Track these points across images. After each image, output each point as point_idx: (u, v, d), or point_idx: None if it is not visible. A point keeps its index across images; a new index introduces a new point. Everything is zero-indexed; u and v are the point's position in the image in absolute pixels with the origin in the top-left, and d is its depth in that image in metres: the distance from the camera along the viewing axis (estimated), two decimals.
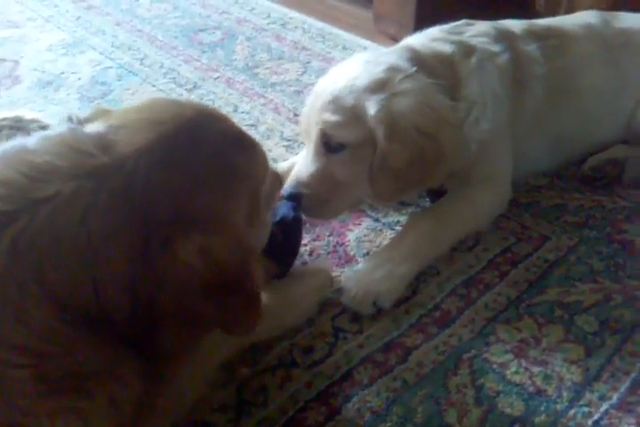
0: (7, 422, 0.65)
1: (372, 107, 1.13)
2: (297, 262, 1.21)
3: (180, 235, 0.72)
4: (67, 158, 0.71)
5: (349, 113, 1.16)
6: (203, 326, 0.81)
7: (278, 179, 1.06)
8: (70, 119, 0.80)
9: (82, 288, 0.69)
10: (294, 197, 1.19)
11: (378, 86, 1.16)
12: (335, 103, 1.16)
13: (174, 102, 0.89)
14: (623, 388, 1.02)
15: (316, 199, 1.20)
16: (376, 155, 1.16)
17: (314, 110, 1.20)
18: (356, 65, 1.23)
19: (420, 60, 1.24)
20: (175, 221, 0.73)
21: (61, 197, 0.68)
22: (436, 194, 1.35)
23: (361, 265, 1.20)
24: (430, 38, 1.34)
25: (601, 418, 0.97)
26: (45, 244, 0.67)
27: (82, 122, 0.80)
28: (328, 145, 1.19)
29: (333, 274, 1.21)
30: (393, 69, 1.19)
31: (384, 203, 1.28)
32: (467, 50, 1.31)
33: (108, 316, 0.71)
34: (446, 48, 1.30)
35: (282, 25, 2.31)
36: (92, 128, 0.77)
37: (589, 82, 1.45)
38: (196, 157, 0.77)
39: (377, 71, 1.18)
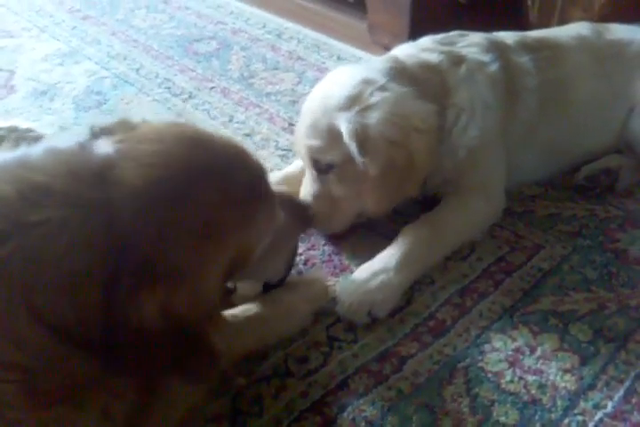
0: None
1: (343, 125, 1.17)
2: (292, 272, 1.21)
3: (146, 287, 0.72)
4: (64, 183, 0.71)
5: (327, 135, 1.21)
6: (160, 371, 0.80)
7: (307, 217, 1.13)
8: (92, 129, 0.80)
9: (66, 313, 0.69)
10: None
11: (349, 103, 1.19)
12: (314, 127, 1.22)
13: (198, 139, 0.84)
14: (617, 396, 1.02)
15: (323, 217, 1.27)
16: (360, 171, 1.20)
17: (299, 136, 1.26)
18: (328, 85, 1.27)
19: (401, 70, 1.26)
20: (144, 272, 0.72)
21: (52, 224, 0.69)
22: (429, 201, 1.36)
23: (355, 275, 1.20)
24: (420, 48, 1.36)
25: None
26: (33, 269, 0.68)
27: (100, 133, 0.79)
28: (318, 167, 1.25)
29: (328, 283, 1.22)
30: (364, 83, 1.21)
31: (377, 214, 1.30)
32: (456, 59, 1.33)
33: (92, 338, 0.72)
34: (434, 57, 1.32)
35: (277, 35, 2.32)
36: (102, 148, 0.76)
37: (582, 93, 1.46)
38: (182, 213, 0.76)
39: (348, 87, 1.21)
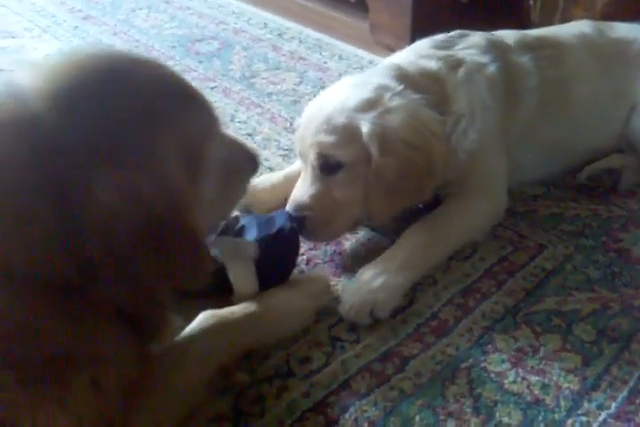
0: None
1: (364, 125, 1.16)
2: (294, 271, 1.21)
3: (95, 175, 0.68)
4: None
5: (343, 132, 1.18)
6: (146, 279, 0.75)
7: (254, 160, 1.05)
8: None
9: (21, 250, 0.67)
10: (297, 221, 1.20)
11: (369, 105, 1.18)
12: (328, 124, 1.18)
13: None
14: (621, 397, 1.01)
15: (318, 221, 1.21)
16: (370, 170, 1.17)
17: (308, 133, 1.22)
18: (343, 88, 1.25)
19: (406, 78, 1.26)
20: (88, 161, 0.69)
21: None
22: (432, 204, 1.36)
23: (358, 275, 1.19)
24: (418, 55, 1.35)
25: None
26: None
27: None
28: (325, 166, 1.20)
29: (331, 283, 1.21)
30: (381, 88, 1.20)
31: (380, 222, 1.29)
32: (453, 63, 1.32)
33: (62, 282, 0.69)
34: (432, 64, 1.31)
35: (278, 35, 2.32)
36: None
37: (583, 91, 1.45)
38: (113, 99, 0.74)
39: (366, 91, 1.20)
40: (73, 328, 0.71)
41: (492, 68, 1.33)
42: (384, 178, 1.17)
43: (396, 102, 1.18)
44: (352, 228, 1.31)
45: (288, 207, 1.23)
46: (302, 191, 1.24)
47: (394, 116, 1.16)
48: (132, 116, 0.76)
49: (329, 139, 1.18)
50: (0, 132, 0.69)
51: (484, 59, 1.34)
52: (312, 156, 1.20)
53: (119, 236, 0.70)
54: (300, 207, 1.22)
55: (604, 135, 1.52)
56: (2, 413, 0.63)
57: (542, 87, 1.39)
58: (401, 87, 1.21)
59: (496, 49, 1.38)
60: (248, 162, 1.05)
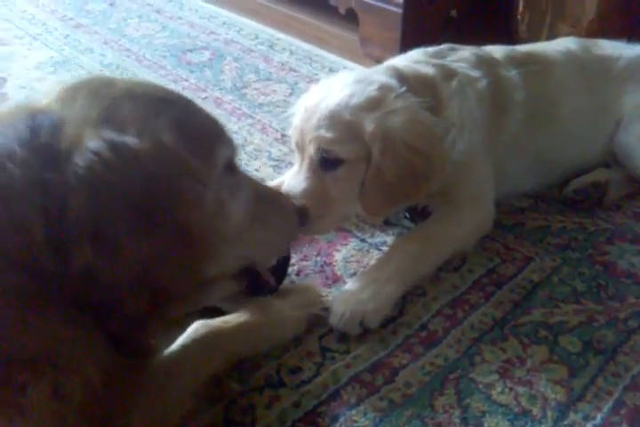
0: None
1: (368, 124, 1.16)
2: (285, 282, 1.22)
3: (90, 130, 0.70)
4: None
5: (346, 129, 1.18)
6: (125, 258, 0.70)
7: (295, 214, 1.10)
8: None
9: (13, 242, 0.67)
10: None
11: (373, 104, 1.18)
12: (332, 119, 1.18)
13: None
14: (606, 408, 1.03)
15: (310, 215, 1.19)
16: (370, 169, 1.18)
17: (308, 127, 1.21)
18: (345, 83, 1.24)
19: (404, 80, 1.27)
20: (87, 125, 0.71)
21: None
22: (419, 214, 1.37)
23: (348, 285, 1.20)
24: (413, 60, 1.37)
25: None
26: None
27: None
28: (324, 161, 1.20)
29: (321, 294, 1.22)
30: (385, 88, 1.22)
31: (373, 217, 1.31)
32: (448, 73, 1.34)
33: (26, 246, 0.67)
34: (428, 70, 1.33)
35: (269, 46, 2.34)
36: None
37: (569, 106, 1.48)
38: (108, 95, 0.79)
39: (370, 89, 1.21)
40: (37, 331, 0.67)
41: (482, 83, 1.35)
42: (383, 177, 1.17)
43: (399, 104, 1.19)
44: (341, 222, 1.32)
45: None
46: (296, 183, 1.22)
47: (398, 117, 1.17)
48: (122, 100, 0.79)
49: (331, 135, 1.17)
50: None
51: (475, 73, 1.36)
52: (312, 150, 1.19)
53: (105, 192, 0.68)
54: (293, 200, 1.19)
55: (590, 149, 1.55)
56: None
57: (529, 102, 1.42)
58: (403, 89, 1.22)
59: (485, 64, 1.41)
60: (288, 214, 1.06)
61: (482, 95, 1.35)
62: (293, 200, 1.16)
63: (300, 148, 1.24)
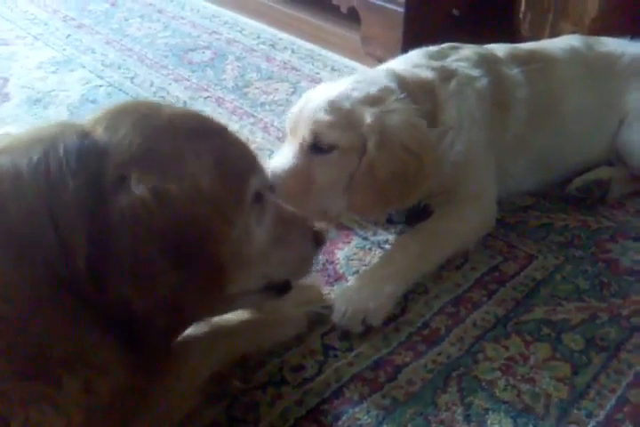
0: None
1: (368, 116, 1.17)
2: None
3: (135, 174, 0.75)
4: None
5: (344, 116, 1.19)
6: (158, 289, 0.76)
7: (315, 237, 1.08)
8: None
9: (40, 221, 0.72)
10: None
11: (373, 101, 1.20)
12: (331, 105, 1.19)
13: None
14: (609, 405, 1.03)
15: (289, 192, 1.18)
16: (362, 162, 1.18)
17: (306, 110, 1.22)
18: (348, 82, 1.26)
19: (404, 86, 1.28)
20: (131, 160, 0.76)
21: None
22: (417, 215, 1.37)
23: (350, 283, 1.20)
24: (412, 64, 1.37)
25: None
26: (7, 178, 0.73)
27: None
28: (316, 145, 1.20)
29: (323, 292, 1.22)
30: (386, 90, 1.23)
31: (358, 215, 1.32)
32: (447, 74, 1.35)
33: (68, 267, 0.72)
34: (427, 74, 1.33)
35: (271, 45, 2.34)
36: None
37: (572, 104, 1.48)
38: (148, 123, 0.83)
39: (372, 89, 1.22)
40: (72, 335, 0.73)
41: (482, 82, 1.36)
42: (374, 173, 1.18)
43: (398, 105, 1.20)
44: (320, 217, 1.25)
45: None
46: (281, 162, 1.22)
47: (396, 116, 1.18)
48: (164, 133, 0.83)
49: (328, 118, 1.18)
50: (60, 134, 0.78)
51: (475, 72, 1.36)
52: (306, 131, 1.20)
53: (146, 235, 0.74)
54: (273, 175, 1.19)
55: (593, 147, 1.55)
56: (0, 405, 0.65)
57: (532, 99, 1.42)
58: (403, 95, 1.23)
59: (487, 62, 1.41)
60: (307, 237, 1.06)
61: (482, 94, 1.35)
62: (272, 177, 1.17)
63: (293, 130, 1.25)
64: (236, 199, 0.87)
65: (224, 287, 0.85)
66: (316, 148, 1.20)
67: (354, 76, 1.33)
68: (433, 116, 1.29)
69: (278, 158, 1.25)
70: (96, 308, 0.74)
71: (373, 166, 1.18)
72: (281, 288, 1.08)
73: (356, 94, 1.21)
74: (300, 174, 1.21)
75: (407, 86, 1.28)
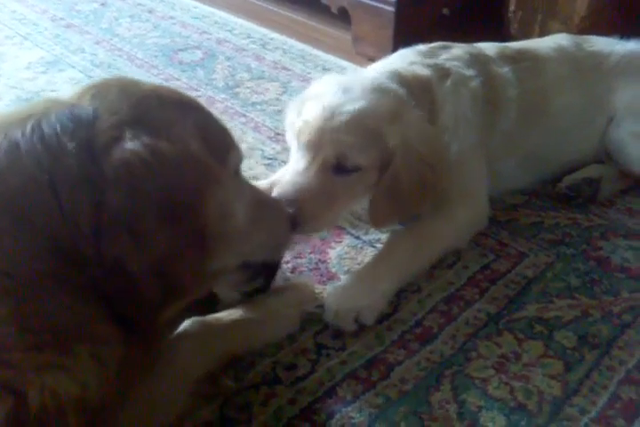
0: None
1: (393, 136, 1.18)
2: (279, 279, 1.21)
3: (129, 132, 0.77)
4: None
5: (368, 136, 1.18)
6: (151, 247, 0.77)
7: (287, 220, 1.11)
8: None
9: (40, 188, 0.73)
10: (290, 205, 1.15)
11: (393, 116, 1.20)
12: (357, 126, 1.17)
13: None
14: (602, 402, 1.03)
15: (310, 213, 1.17)
16: (385, 178, 1.20)
17: (327, 128, 1.17)
18: (362, 89, 1.22)
19: (406, 85, 1.28)
20: (122, 123, 0.79)
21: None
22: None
23: (342, 282, 1.20)
24: (409, 61, 1.37)
25: None
26: (1, 149, 0.74)
27: None
28: (340, 166, 1.18)
29: (316, 291, 1.22)
30: (400, 100, 1.23)
31: (377, 227, 1.32)
32: (442, 72, 1.35)
33: (70, 233, 0.73)
34: (424, 72, 1.33)
35: (262, 45, 2.34)
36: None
37: (561, 103, 1.49)
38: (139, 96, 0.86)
39: (389, 100, 1.22)
40: (75, 307, 0.74)
41: (475, 82, 1.36)
42: (397, 187, 1.20)
43: (414, 118, 1.22)
44: (336, 222, 1.32)
45: (281, 190, 1.18)
46: (301, 181, 1.19)
47: (415, 131, 1.20)
48: (151, 100, 0.86)
49: (354, 140, 1.17)
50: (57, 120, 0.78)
51: (469, 72, 1.37)
52: (329, 152, 1.17)
53: (141, 189, 0.75)
54: (296, 195, 1.17)
55: (582, 145, 1.55)
56: (7, 373, 0.66)
57: (522, 98, 1.42)
58: (413, 104, 1.24)
59: (478, 62, 1.41)
60: (282, 219, 1.09)
61: (475, 94, 1.36)
62: (289, 203, 1.15)
63: (312, 146, 1.19)
64: (221, 166, 0.89)
65: (205, 260, 0.85)
66: (339, 169, 1.19)
67: (358, 78, 1.30)
68: (431, 114, 1.30)
69: (296, 175, 1.20)
70: (94, 280, 0.74)
71: (397, 181, 1.20)
72: (259, 271, 1.09)
73: (377, 110, 1.19)
74: (320, 192, 1.19)
75: (409, 85, 1.28)
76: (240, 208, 0.95)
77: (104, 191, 0.74)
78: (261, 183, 1.43)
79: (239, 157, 0.98)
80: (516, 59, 1.47)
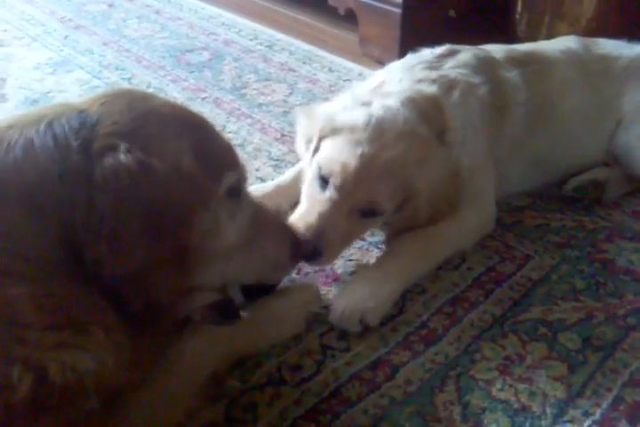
0: (13, 354, 0.68)
1: (419, 182, 1.22)
2: (285, 280, 1.22)
3: (124, 145, 0.80)
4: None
5: (398, 186, 1.21)
6: (129, 256, 0.79)
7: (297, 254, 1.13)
8: None
9: (52, 178, 0.78)
10: (315, 251, 1.17)
11: (422, 162, 1.22)
12: (390, 175, 1.20)
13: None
14: (605, 404, 1.04)
15: (334, 255, 1.24)
16: (405, 214, 1.26)
17: (365, 177, 1.18)
18: (393, 130, 1.22)
19: (418, 109, 1.26)
20: (119, 133, 0.83)
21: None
22: None
23: (348, 283, 1.21)
24: (414, 80, 1.34)
25: None
26: (18, 145, 0.80)
27: None
28: (367, 211, 1.21)
29: (321, 292, 1.22)
30: (428, 144, 1.25)
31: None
32: (448, 84, 1.33)
33: (75, 231, 0.77)
34: (431, 89, 1.32)
35: (269, 47, 2.34)
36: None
37: (569, 106, 1.49)
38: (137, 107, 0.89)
39: (418, 146, 1.23)
40: (84, 295, 0.78)
41: (483, 89, 1.35)
42: (415, 218, 1.26)
43: (439, 161, 1.25)
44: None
45: (305, 232, 1.17)
46: (327, 222, 1.18)
47: (437, 173, 1.24)
48: (153, 116, 0.89)
49: (386, 189, 1.20)
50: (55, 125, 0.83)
51: (476, 79, 1.36)
52: (363, 198, 1.19)
53: (127, 199, 0.78)
54: (323, 240, 1.17)
55: (589, 149, 1.55)
56: (26, 351, 0.69)
57: (530, 101, 1.42)
58: (431, 134, 1.26)
59: (485, 66, 1.40)
60: (284, 245, 1.10)
61: (483, 102, 1.35)
62: (318, 236, 1.17)
63: (345, 189, 1.18)
64: (211, 185, 0.91)
65: (186, 276, 0.87)
66: (366, 212, 1.21)
67: (380, 106, 1.26)
68: (443, 131, 1.29)
69: (320, 215, 1.19)
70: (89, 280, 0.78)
71: (416, 215, 1.26)
72: (253, 293, 1.11)
73: (407, 158, 1.21)
74: (345, 236, 1.22)
75: (420, 109, 1.27)
76: (231, 228, 0.96)
77: (94, 193, 0.78)
78: (268, 186, 1.44)
79: (240, 176, 0.99)
80: (525, 62, 1.47)
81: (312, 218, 1.18)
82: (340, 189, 1.19)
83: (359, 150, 1.18)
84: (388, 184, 1.20)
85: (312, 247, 1.16)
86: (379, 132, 1.21)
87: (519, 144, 1.43)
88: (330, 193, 1.20)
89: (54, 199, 0.78)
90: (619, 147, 1.52)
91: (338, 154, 1.20)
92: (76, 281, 0.77)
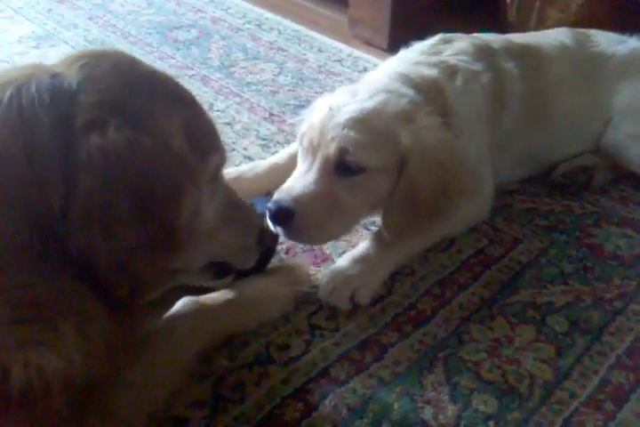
0: None
1: (405, 136, 1.11)
2: (274, 260, 1.21)
3: (112, 122, 0.75)
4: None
5: (378, 136, 1.11)
6: (115, 240, 0.76)
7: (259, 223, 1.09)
8: None
9: (16, 159, 0.71)
10: (286, 213, 1.09)
11: (406, 117, 1.13)
12: (363, 123, 1.11)
13: None
14: (592, 386, 1.04)
15: (310, 221, 1.10)
16: (401, 184, 1.12)
17: (330, 126, 1.11)
18: (374, 90, 1.17)
19: (417, 87, 1.22)
20: (107, 104, 0.76)
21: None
22: None
23: (338, 263, 1.20)
24: (412, 62, 1.32)
25: (571, 415, 1.00)
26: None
27: None
28: (341, 166, 1.11)
29: (310, 272, 1.22)
30: (415, 103, 1.16)
31: (392, 237, 1.18)
32: (449, 70, 1.30)
33: (46, 207, 0.72)
34: (431, 72, 1.28)
35: (257, 25, 2.31)
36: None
37: (561, 104, 1.47)
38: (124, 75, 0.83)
39: (403, 102, 1.15)
40: (57, 282, 0.73)
41: (485, 77, 1.33)
42: (415, 194, 1.12)
43: (430, 122, 1.14)
44: (341, 235, 1.22)
45: (277, 196, 1.12)
46: (301, 184, 1.11)
47: (432, 135, 1.13)
48: (143, 86, 0.83)
49: (359, 137, 1.09)
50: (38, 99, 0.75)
51: (478, 66, 1.33)
52: (331, 150, 1.10)
53: (115, 180, 0.74)
54: (294, 201, 1.09)
55: (577, 146, 1.55)
56: None
57: (524, 95, 1.40)
58: (430, 108, 1.17)
59: (484, 55, 1.38)
60: (252, 230, 1.07)
61: (486, 89, 1.33)
62: (292, 202, 1.10)
63: (315, 147, 1.13)
64: (200, 167, 0.88)
65: (171, 257, 0.84)
66: (341, 170, 1.11)
67: (366, 82, 1.26)
68: (444, 118, 1.21)
69: (296, 179, 1.14)
70: (70, 259, 0.73)
71: (415, 188, 1.12)
72: (222, 272, 1.09)
73: (388, 109, 1.13)
74: (323, 198, 1.10)
75: (419, 88, 1.22)
76: (212, 208, 0.95)
77: (76, 173, 0.72)
78: (261, 165, 1.41)
79: (222, 160, 0.96)
80: (521, 55, 1.43)
81: (285, 190, 1.13)
82: (310, 146, 1.13)
83: (328, 105, 1.15)
84: (359, 132, 1.09)
85: (278, 206, 1.09)
86: (353, 91, 1.18)
87: (511, 137, 1.41)
88: (302, 159, 1.17)
89: (20, 184, 0.71)
90: (609, 145, 1.51)
91: (311, 120, 1.18)
92: (48, 270, 0.73)
